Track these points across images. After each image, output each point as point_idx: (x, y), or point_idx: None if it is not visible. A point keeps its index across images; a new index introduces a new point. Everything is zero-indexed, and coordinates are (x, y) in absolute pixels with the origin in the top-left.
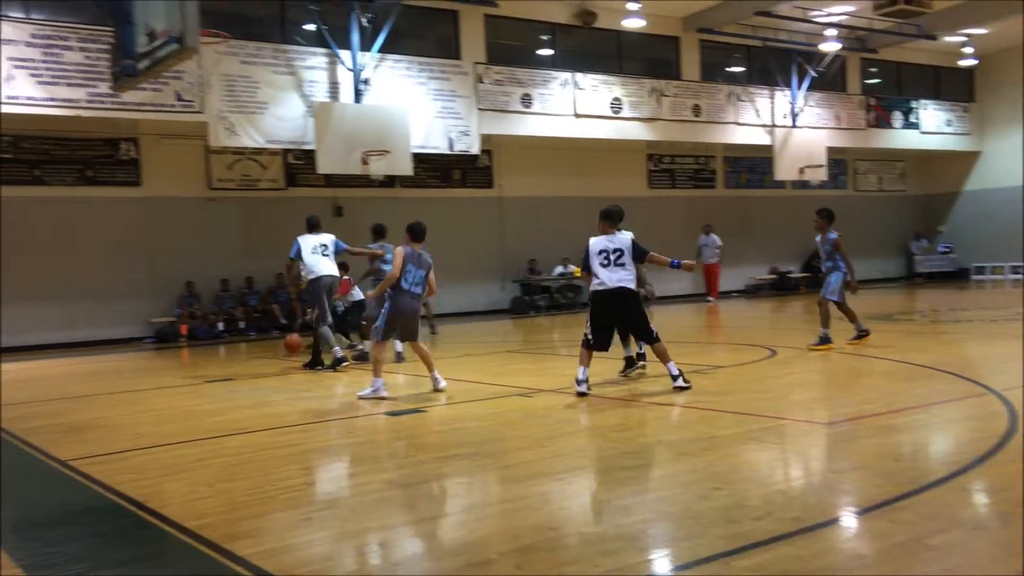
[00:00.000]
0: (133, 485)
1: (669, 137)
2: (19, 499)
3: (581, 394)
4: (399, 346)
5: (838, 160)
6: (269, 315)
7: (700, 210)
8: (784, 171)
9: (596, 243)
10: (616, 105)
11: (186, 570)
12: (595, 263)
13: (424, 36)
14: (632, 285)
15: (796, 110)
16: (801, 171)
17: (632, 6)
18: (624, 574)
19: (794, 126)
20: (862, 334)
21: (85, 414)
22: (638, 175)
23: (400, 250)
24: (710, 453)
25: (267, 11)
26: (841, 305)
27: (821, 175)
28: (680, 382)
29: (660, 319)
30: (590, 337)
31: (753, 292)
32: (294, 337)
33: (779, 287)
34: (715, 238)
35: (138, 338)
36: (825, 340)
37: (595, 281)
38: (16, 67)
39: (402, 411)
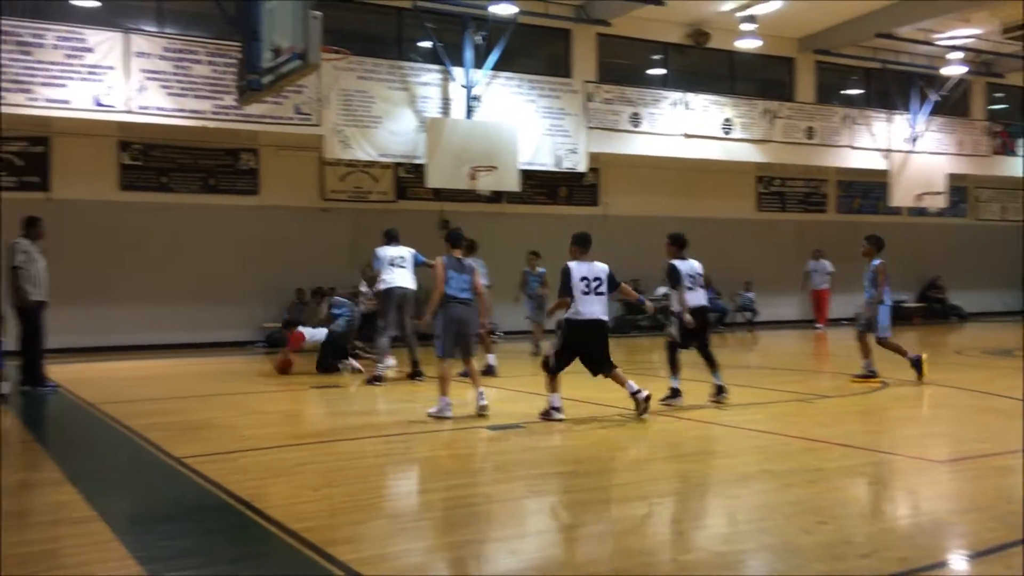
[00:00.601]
0: (241, 485)
1: (780, 159)
2: (137, 493)
3: (558, 420)
4: (492, 359)
5: (958, 187)
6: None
7: (810, 234)
8: (900, 197)
9: (577, 268)
10: (727, 126)
11: (290, 572)
12: (577, 290)
13: (536, 54)
14: (607, 317)
15: (915, 135)
16: (919, 197)
17: (747, 26)
18: None
19: (912, 151)
20: (870, 375)
21: (199, 414)
22: (747, 197)
23: (440, 260)
24: (815, 485)
25: (385, 28)
26: (864, 336)
27: (940, 202)
28: (642, 395)
29: (766, 344)
30: (553, 363)
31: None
32: (280, 358)
33: (892, 317)
34: (826, 263)
35: (250, 342)
36: (917, 365)
37: (574, 309)
38: (148, 79)
39: (502, 426)
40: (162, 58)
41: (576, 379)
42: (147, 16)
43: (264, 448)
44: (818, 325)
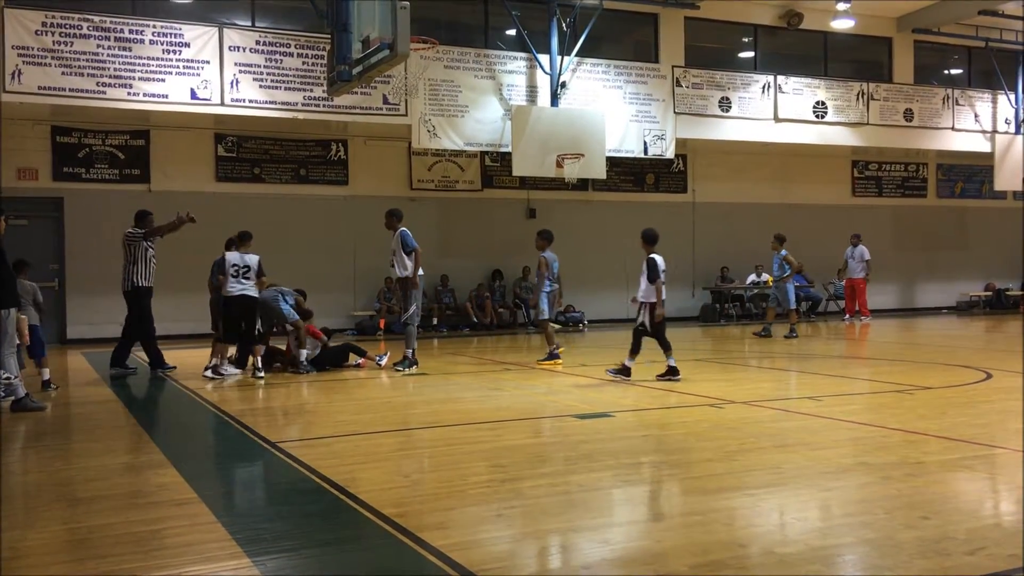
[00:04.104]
0: (335, 470)
1: (877, 143)
2: (235, 477)
3: (212, 378)
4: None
5: None
6: (461, 312)
7: (908, 220)
8: (1005, 180)
9: (231, 257)
10: (820, 109)
11: (385, 556)
12: (228, 273)
13: (622, 39)
14: (253, 293)
15: (1021, 115)
16: None
17: (842, 6)
18: None
19: (1018, 132)
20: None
21: (292, 400)
22: (841, 182)
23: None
24: (916, 479)
25: (472, 17)
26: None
27: None
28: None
29: (861, 334)
30: (222, 333)
31: (965, 309)
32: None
33: (995, 305)
34: (863, 250)
35: (340, 330)
36: (552, 356)
37: (227, 288)
38: (242, 72)
39: (589, 414)
40: (254, 51)
41: (664, 369)
42: (240, 10)
43: (357, 434)
44: (847, 316)
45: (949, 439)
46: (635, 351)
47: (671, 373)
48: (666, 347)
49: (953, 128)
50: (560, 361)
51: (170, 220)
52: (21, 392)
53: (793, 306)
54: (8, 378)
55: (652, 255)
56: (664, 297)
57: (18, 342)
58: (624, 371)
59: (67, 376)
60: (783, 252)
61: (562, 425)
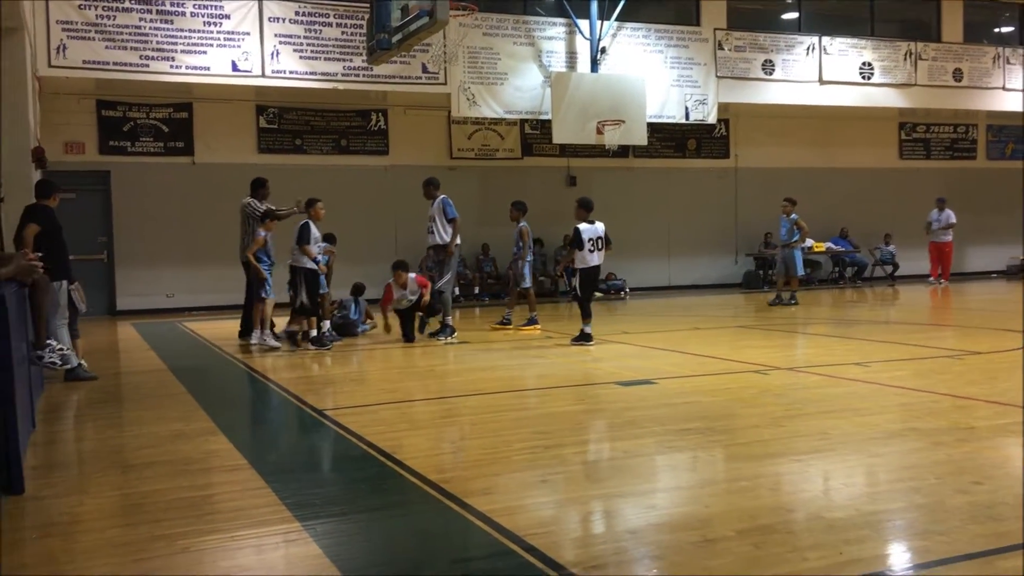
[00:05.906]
0: (382, 437)
1: (925, 104)
2: (283, 444)
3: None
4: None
5: None
6: (502, 281)
7: (957, 183)
8: None
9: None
10: (866, 70)
11: (431, 521)
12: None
13: (663, 3)
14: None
15: None
16: None
17: None
18: (872, 565)
19: None
20: (530, 323)
21: (338, 368)
22: (888, 145)
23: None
24: (967, 444)
25: None
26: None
27: None
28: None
29: (909, 299)
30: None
31: (1015, 273)
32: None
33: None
34: (949, 214)
35: (377, 299)
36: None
37: None
38: (282, 43)
39: (633, 381)
40: (294, 22)
41: (707, 335)
42: None
43: (402, 402)
44: (931, 279)
45: (999, 404)
46: (585, 316)
47: (584, 339)
48: (586, 314)
49: (1004, 88)
50: (539, 327)
51: (289, 209)
52: (74, 361)
53: (800, 272)
54: (61, 348)
55: (581, 223)
56: (590, 265)
57: (83, 309)
58: (585, 337)
59: (117, 346)
60: (794, 216)
61: (605, 392)
